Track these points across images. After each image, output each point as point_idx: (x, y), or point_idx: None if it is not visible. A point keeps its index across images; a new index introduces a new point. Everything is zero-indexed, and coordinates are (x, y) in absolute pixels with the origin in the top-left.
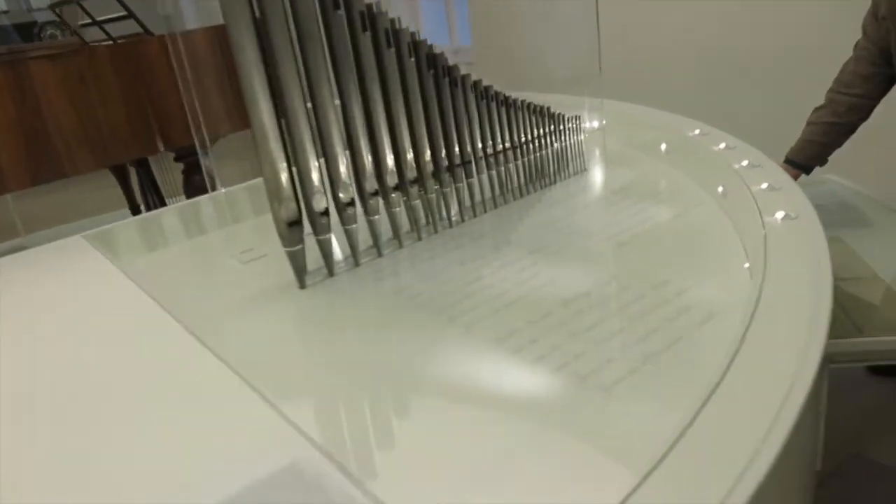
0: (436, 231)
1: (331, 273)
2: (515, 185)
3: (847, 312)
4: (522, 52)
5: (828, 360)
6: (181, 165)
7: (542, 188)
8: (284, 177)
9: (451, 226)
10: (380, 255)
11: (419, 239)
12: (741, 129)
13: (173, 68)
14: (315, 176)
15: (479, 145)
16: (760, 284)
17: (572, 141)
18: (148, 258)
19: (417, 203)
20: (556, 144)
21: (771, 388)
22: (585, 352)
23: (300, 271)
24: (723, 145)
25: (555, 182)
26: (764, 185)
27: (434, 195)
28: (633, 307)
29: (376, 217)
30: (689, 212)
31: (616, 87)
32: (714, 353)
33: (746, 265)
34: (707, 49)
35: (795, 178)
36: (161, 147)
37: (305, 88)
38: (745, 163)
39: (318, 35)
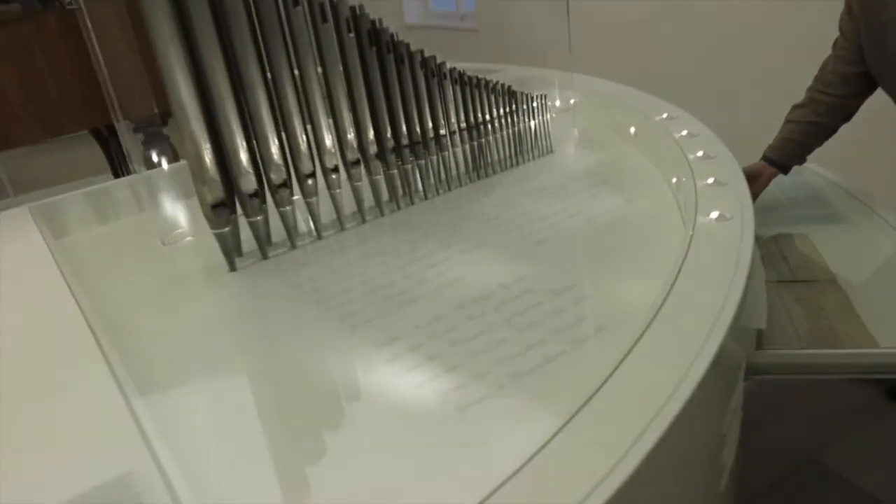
0: (363, 221)
1: (265, 256)
2: (470, 168)
3: (792, 319)
4: (522, 20)
5: (756, 370)
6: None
7: (502, 170)
8: (208, 156)
9: (381, 214)
10: (319, 237)
11: (342, 229)
12: (722, 109)
13: (126, 35)
14: (244, 156)
15: (430, 125)
16: (667, 293)
17: (538, 121)
18: (80, 234)
19: (338, 193)
20: (519, 125)
21: (638, 411)
22: (458, 365)
23: (229, 253)
24: (685, 132)
25: (517, 164)
26: (710, 180)
27: (364, 181)
28: (526, 315)
29: (313, 199)
30: (630, 205)
31: (609, 63)
32: (587, 374)
33: (665, 269)
34: (695, 26)
35: (772, 177)
36: (116, 118)
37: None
38: (700, 153)
39: (243, 7)
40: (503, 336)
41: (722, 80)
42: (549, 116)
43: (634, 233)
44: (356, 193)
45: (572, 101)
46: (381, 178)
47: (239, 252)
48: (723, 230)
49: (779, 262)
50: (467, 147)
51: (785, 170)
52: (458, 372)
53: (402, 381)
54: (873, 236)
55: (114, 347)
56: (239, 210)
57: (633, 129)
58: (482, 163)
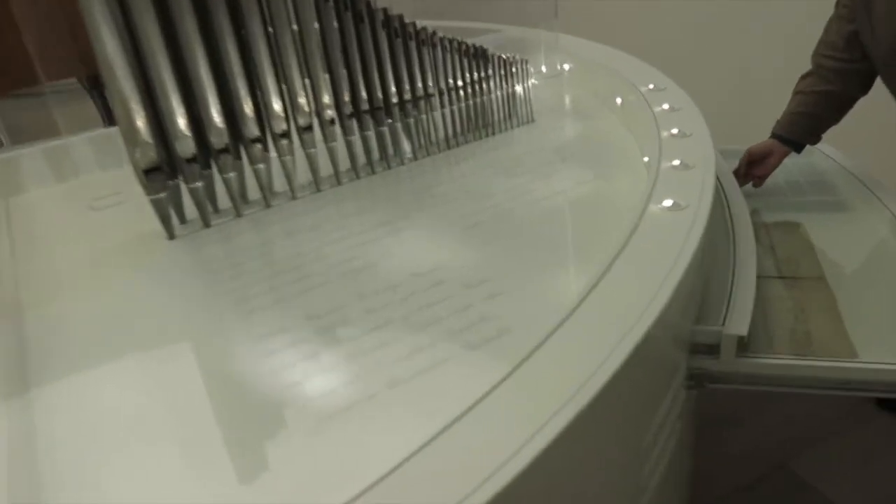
0: (318, 189)
1: (206, 224)
2: (439, 137)
3: (767, 321)
4: None
5: (713, 378)
6: None
7: (477, 140)
8: (140, 118)
9: (338, 183)
10: (268, 206)
11: (293, 197)
12: (726, 79)
13: None
14: (181, 118)
15: (393, 90)
16: (588, 291)
17: (518, 88)
18: (24, 196)
19: (289, 160)
20: (496, 92)
21: (524, 423)
22: (335, 367)
23: (167, 220)
24: (666, 106)
25: (493, 133)
26: (676, 162)
27: (320, 148)
28: (427, 312)
29: (261, 166)
30: (592, 185)
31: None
32: (468, 385)
33: (594, 263)
34: None
35: (783, 157)
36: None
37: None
38: (674, 131)
39: None
40: (395, 335)
41: (729, 43)
42: (531, 83)
43: (585, 218)
44: (310, 161)
45: (558, 67)
46: (337, 146)
47: (182, 218)
48: (672, 221)
49: (765, 254)
50: (437, 115)
51: (798, 148)
52: (332, 374)
53: (271, 381)
54: (875, 229)
55: (12, 334)
56: None
57: (619, 100)
58: (454, 131)
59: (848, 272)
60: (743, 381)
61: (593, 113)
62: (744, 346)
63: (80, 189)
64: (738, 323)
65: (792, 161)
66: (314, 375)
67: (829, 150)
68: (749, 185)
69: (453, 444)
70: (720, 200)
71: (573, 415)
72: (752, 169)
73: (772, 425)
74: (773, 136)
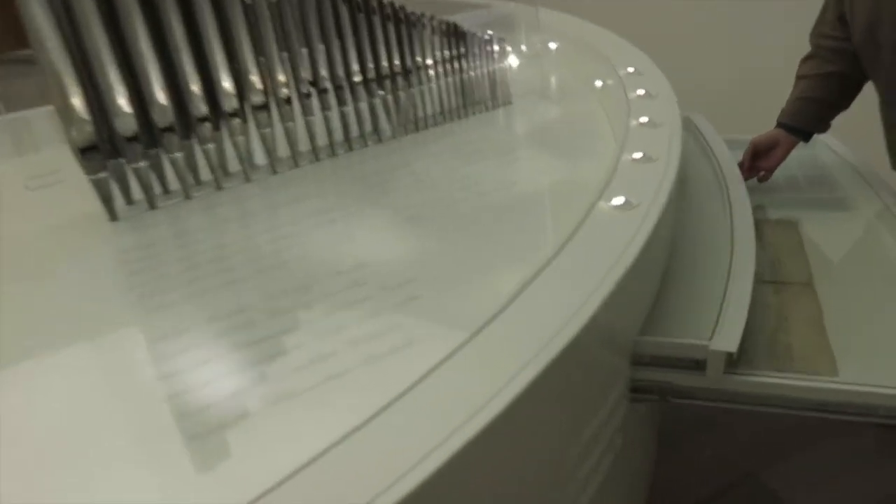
0: (274, 172)
1: (152, 205)
2: (404, 118)
3: (747, 331)
4: None
5: (676, 393)
6: None
7: (448, 121)
8: (76, 95)
9: (296, 165)
10: (219, 188)
11: (247, 180)
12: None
13: None
14: (120, 95)
15: (356, 68)
16: (512, 300)
17: (494, 68)
18: None
19: (241, 140)
20: (470, 71)
21: (426, 437)
22: (224, 376)
23: (108, 201)
24: (641, 92)
25: (465, 115)
26: (638, 155)
27: (277, 128)
28: (337, 317)
29: (209, 146)
30: (551, 176)
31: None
32: (373, 395)
33: (530, 264)
34: None
35: (791, 147)
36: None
37: None
38: (643, 119)
39: None
40: (297, 341)
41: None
42: (511, 63)
43: (535, 213)
44: (265, 141)
45: (541, 46)
46: (294, 126)
47: (128, 198)
48: (620, 220)
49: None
50: (403, 94)
51: (806, 137)
52: (217, 386)
53: (151, 392)
54: (873, 230)
55: None
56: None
57: (598, 83)
58: (424, 113)
59: (838, 278)
60: (718, 398)
61: (573, 95)
62: (732, 362)
63: (21, 168)
64: (728, 337)
65: (795, 155)
66: (197, 389)
67: (834, 144)
68: (753, 179)
69: (353, 451)
70: (721, 198)
71: (479, 428)
72: (758, 161)
73: (745, 432)
74: (779, 125)
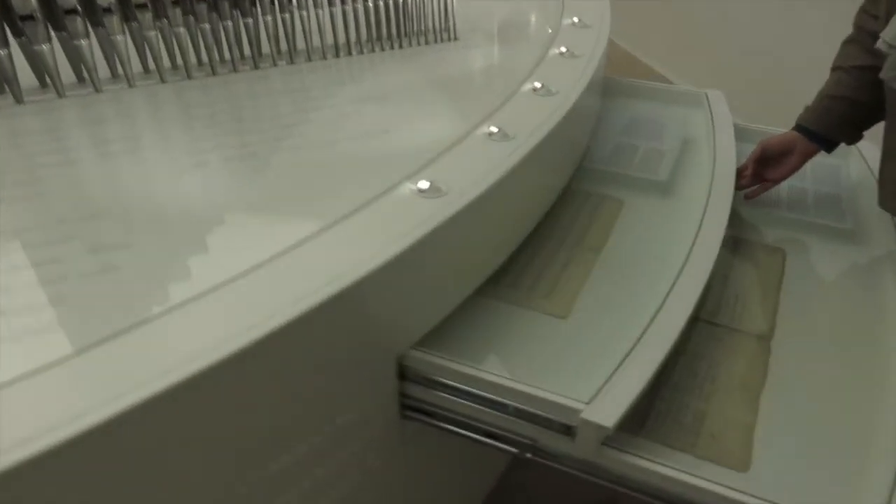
0: (131, 84)
1: (18, 100)
2: (321, 42)
3: (663, 393)
4: None
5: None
6: None
7: (376, 51)
8: None
9: (162, 81)
10: (60, 96)
11: (96, 90)
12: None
13: None
14: None
15: None
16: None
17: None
18: None
19: (84, 45)
20: None
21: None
22: None
23: (10, 82)
24: (562, 49)
25: (400, 46)
26: (493, 129)
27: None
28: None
29: (43, 47)
30: (424, 129)
31: None
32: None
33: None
34: None
35: (807, 157)
36: None
37: None
38: (538, 84)
39: None
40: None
41: None
42: None
43: (353, 174)
44: (114, 48)
45: None
46: (155, 35)
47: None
48: (421, 205)
49: (714, 285)
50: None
51: (828, 146)
52: None
53: None
54: (876, 280)
55: None
56: None
57: (549, 30)
58: (347, 39)
59: (808, 336)
60: (584, 469)
61: (528, 38)
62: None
63: None
64: (611, 407)
65: (815, 162)
66: None
67: (871, 156)
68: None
69: None
70: (696, 208)
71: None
72: (764, 169)
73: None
74: (798, 127)
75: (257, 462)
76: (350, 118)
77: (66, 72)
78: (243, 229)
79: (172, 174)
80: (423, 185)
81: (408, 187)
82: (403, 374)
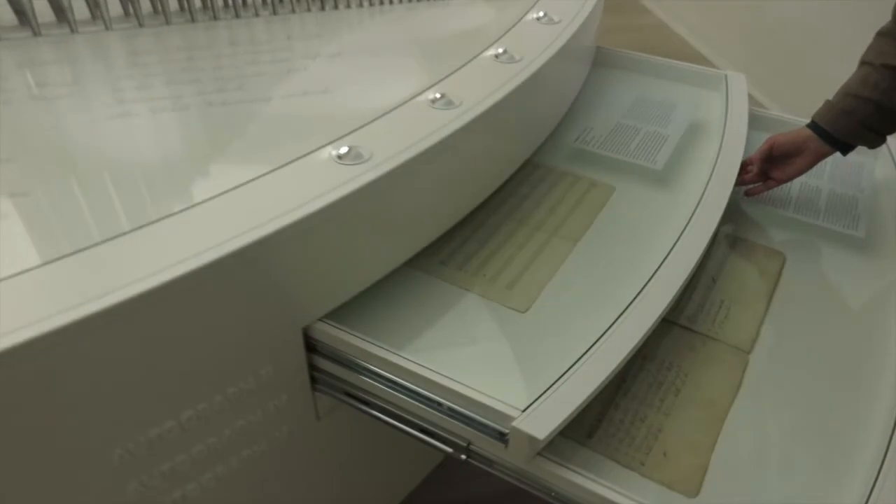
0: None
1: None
2: None
3: (616, 401)
4: None
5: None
6: None
7: (366, 6)
8: None
9: (139, 25)
10: (73, 31)
11: (71, 31)
12: None
13: None
14: None
15: None
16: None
17: None
18: None
19: None
20: None
21: None
22: None
23: (22, 12)
24: (541, 13)
25: (400, 1)
26: (436, 95)
27: None
28: None
29: None
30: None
31: None
32: None
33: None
34: None
35: (819, 158)
36: None
37: None
38: (500, 50)
39: None
40: None
41: None
42: None
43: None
44: None
45: None
46: None
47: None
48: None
49: (696, 289)
50: None
51: (843, 148)
52: None
53: None
54: (878, 289)
55: None
56: None
57: None
58: None
59: (792, 354)
60: (517, 477)
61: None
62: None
63: None
64: (547, 418)
65: (834, 158)
66: None
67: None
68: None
69: None
70: (691, 200)
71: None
72: (771, 168)
73: None
74: (812, 125)
75: (148, 420)
76: (297, 74)
77: (46, 11)
78: (153, 184)
79: (94, 123)
80: (343, 150)
81: (327, 151)
82: (311, 345)
